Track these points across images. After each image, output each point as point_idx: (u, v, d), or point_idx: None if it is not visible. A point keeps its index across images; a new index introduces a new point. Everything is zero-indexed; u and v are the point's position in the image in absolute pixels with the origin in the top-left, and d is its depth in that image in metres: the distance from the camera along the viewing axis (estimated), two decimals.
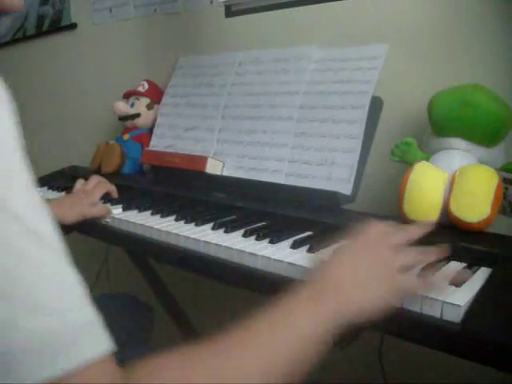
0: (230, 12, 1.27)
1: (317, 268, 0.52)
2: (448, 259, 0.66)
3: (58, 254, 0.33)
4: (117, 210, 0.95)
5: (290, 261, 0.65)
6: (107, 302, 0.97)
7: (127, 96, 1.34)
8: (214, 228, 0.82)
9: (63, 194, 1.14)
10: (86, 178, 1.09)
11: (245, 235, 0.77)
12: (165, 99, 1.27)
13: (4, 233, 0.30)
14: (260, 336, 0.41)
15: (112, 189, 1.03)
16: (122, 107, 1.30)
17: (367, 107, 0.90)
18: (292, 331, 0.42)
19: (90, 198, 0.97)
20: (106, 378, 0.33)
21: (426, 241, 0.70)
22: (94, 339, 0.33)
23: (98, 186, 1.02)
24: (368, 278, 0.49)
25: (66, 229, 0.95)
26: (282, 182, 0.96)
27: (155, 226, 0.84)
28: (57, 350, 0.31)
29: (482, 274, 0.61)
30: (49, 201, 0.96)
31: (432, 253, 0.55)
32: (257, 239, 0.75)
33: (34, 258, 0.31)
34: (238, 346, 0.39)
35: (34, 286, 0.31)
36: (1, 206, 0.30)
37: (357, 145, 0.89)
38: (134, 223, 0.88)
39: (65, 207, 0.92)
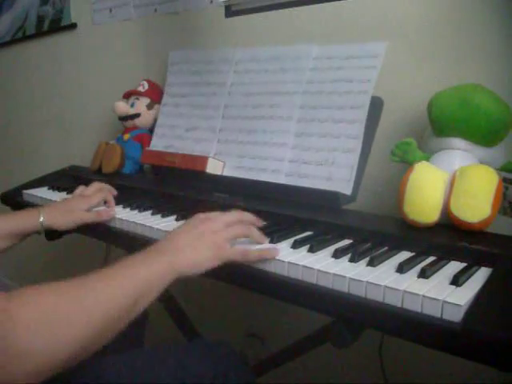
0: (229, 12, 1.28)
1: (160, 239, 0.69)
2: (448, 259, 0.66)
3: None
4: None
5: (291, 261, 0.65)
6: None
7: (127, 96, 1.33)
8: None
9: (63, 194, 1.14)
10: (88, 180, 1.09)
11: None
12: (165, 99, 1.26)
13: None
14: (102, 282, 0.54)
15: (110, 198, 0.99)
16: (122, 107, 1.30)
17: (367, 107, 0.90)
18: (127, 280, 0.56)
19: (86, 202, 0.94)
20: None
21: (425, 241, 0.70)
22: None
23: (97, 192, 0.99)
24: (198, 242, 0.65)
25: (59, 233, 0.94)
26: (283, 182, 0.96)
27: (155, 226, 0.84)
28: None
29: (482, 274, 0.61)
30: (42, 206, 0.94)
31: (251, 227, 0.71)
32: None
33: None
34: (92, 286, 0.53)
35: None
36: None
37: (357, 145, 0.89)
38: (134, 223, 0.88)
39: (56, 212, 0.90)
